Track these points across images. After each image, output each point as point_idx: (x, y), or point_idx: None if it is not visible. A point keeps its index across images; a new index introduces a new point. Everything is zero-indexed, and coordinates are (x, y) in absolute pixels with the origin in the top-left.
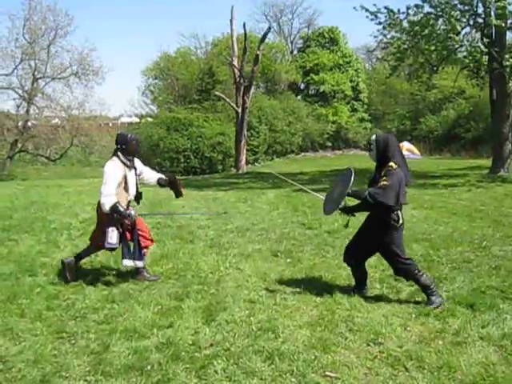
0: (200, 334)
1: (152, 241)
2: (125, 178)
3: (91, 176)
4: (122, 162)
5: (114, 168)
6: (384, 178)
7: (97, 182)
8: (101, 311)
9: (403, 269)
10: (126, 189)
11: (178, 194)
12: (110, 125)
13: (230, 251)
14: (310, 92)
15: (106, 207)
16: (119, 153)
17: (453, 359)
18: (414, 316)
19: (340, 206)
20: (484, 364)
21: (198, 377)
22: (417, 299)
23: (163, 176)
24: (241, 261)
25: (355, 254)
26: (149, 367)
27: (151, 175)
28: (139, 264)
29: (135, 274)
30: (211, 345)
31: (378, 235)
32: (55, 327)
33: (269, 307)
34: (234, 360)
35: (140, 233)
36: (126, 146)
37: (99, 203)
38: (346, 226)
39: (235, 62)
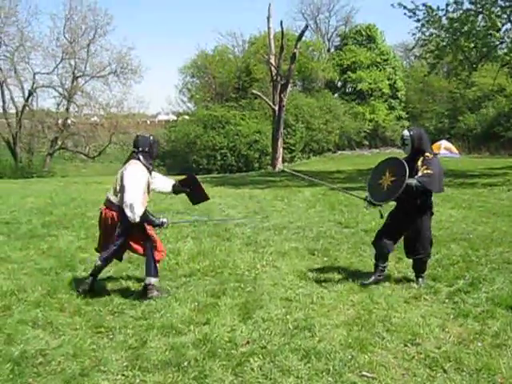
0: (236, 331)
1: (164, 252)
2: (148, 184)
3: None
4: (145, 166)
5: (139, 173)
6: (425, 166)
7: None
8: (138, 307)
9: (426, 254)
10: (146, 196)
11: (200, 198)
12: (148, 122)
13: (266, 249)
14: (347, 90)
15: (136, 217)
16: (141, 156)
17: (492, 362)
18: (452, 317)
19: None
20: None
21: (234, 374)
22: (455, 300)
23: (176, 182)
24: (277, 259)
25: (388, 238)
26: (185, 363)
27: (164, 183)
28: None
29: (145, 290)
30: (247, 342)
31: (414, 221)
32: (94, 322)
33: (305, 306)
34: (271, 358)
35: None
36: (150, 149)
37: (111, 211)
38: (382, 216)
39: (272, 60)
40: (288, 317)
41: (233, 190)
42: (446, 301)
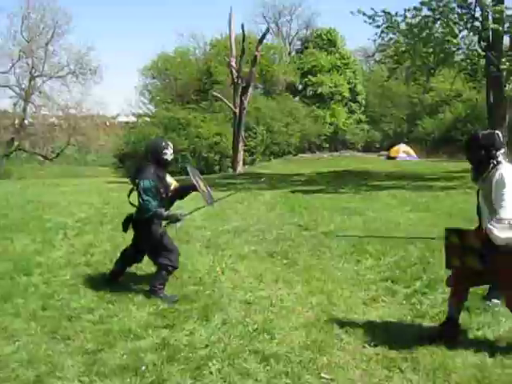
0: (195, 334)
1: None
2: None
3: (88, 175)
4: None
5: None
6: None
7: (93, 182)
8: (96, 311)
9: None
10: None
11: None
12: (108, 124)
13: (226, 252)
14: (307, 93)
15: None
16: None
17: (448, 361)
18: (409, 318)
19: None
20: (479, 366)
21: (193, 378)
22: (412, 301)
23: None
24: (237, 262)
25: None
26: (143, 368)
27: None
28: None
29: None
30: (206, 346)
31: None
32: (50, 327)
33: (265, 308)
34: (230, 361)
35: None
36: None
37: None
38: None
39: (233, 63)
40: (247, 320)
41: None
42: (404, 302)
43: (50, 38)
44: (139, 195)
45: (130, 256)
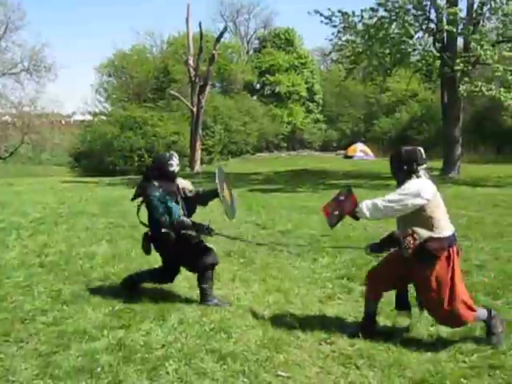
0: (152, 334)
1: None
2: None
3: (43, 175)
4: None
5: None
6: None
7: (48, 182)
8: (50, 313)
9: None
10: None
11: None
12: (63, 122)
13: None
14: (265, 92)
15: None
16: None
17: (403, 357)
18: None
19: None
20: (433, 361)
21: (149, 378)
22: None
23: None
24: None
25: None
26: (99, 369)
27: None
28: None
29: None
30: (163, 346)
31: None
32: (2, 330)
33: (221, 308)
34: (186, 361)
35: None
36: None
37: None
38: None
39: (191, 61)
40: (204, 319)
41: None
42: (360, 299)
43: (3, 33)
44: (152, 213)
45: (164, 277)
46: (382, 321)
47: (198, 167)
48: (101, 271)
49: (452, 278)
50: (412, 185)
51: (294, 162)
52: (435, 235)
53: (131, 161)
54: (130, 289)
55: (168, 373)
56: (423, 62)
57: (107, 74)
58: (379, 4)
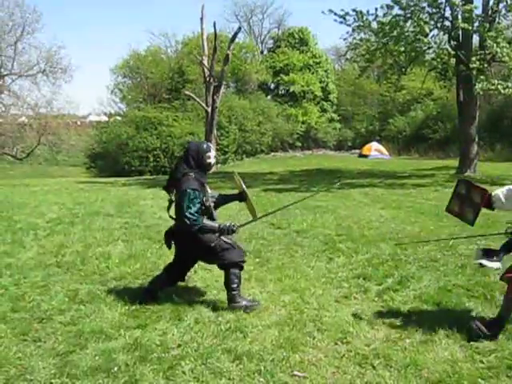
0: (168, 334)
1: None
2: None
3: (59, 175)
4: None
5: None
6: None
7: (64, 182)
8: (67, 312)
9: None
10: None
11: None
12: (79, 123)
13: None
14: (279, 92)
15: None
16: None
17: (419, 357)
18: (381, 315)
19: None
20: (450, 361)
21: (165, 378)
22: (384, 298)
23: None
24: None
25: None
26: (116, 368)
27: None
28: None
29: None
30: (179, 345)
31: None
32: (20, 329)
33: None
34: (202, 360)
35: None
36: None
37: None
38: None
39: (205, 62)
40: (220, 319)
41: (165, 192)
42: (376, 299)
43: (20, 35)
44: (183, 206)
45: (176, 273)
46: (399, 320)
47: (214, 167)
48: (117, 271)
49: None
50: None
51: (308, 161)
52: None
53: (146, 161)
54: (153, 299)
55: (184, 372)
56: (438, 60)
57: (122, 75)
58: (394, 1)
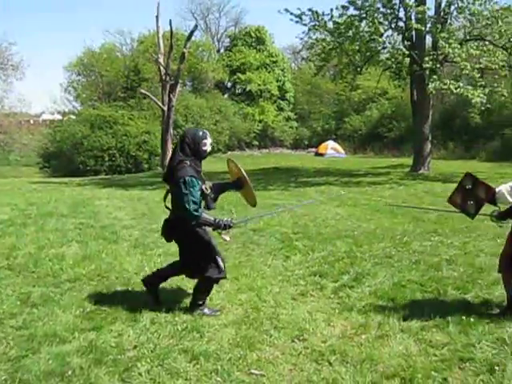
0: (124, 336)
1: None
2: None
3: (11, 175)
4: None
5: None
6: None
7: (16, 182)
8: (19, 316)
9: None
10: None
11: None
12: (31, 122)
13: (155, 251)
14: (236, 91)
15: None
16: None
17: (375, 352)
18: (337, 311)
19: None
20: (404, 355)
21: (121, 380)
22: (340, 295)
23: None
24: (166, 260)
25: None
26: (70, 372)
27: None
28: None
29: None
30: (135, 347)
31: None
32: None
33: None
34: (159, 361)
35: None
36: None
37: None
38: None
39: (161, 60)
40: (177, 319)
41: (121, 192)
42: (332, 296)
43: None
44: (181, 196)
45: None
46: (355, 316)
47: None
48: (71, 273)
49: None
50: None
51: (265, 160)
52: None
53: (102, 160)
54: (154, 294)
55: (140, 374)
56: (393, 59)
57: (76, 73)
58: (350, 2)
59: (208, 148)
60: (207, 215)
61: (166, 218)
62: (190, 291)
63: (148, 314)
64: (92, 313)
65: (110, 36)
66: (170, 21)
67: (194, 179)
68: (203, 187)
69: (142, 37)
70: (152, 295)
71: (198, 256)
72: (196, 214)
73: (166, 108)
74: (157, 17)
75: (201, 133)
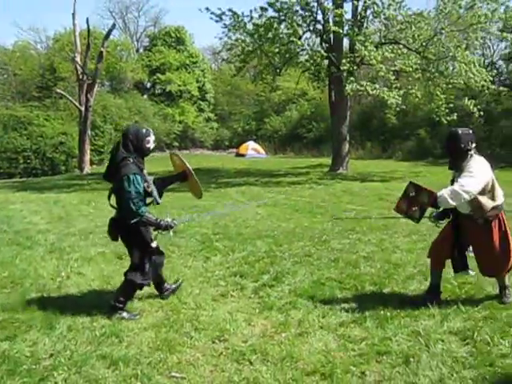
0: (39, 344)
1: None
2: None
3: None
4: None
5: None
6: None
7: None
8: None
9: None
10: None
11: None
12: None
13: (71, 255)
14: (156, 91)
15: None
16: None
17: (295, 350)
18: (257, 311)
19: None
20: (324, 352)
21: None
22: (260, 294)
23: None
24: (83, 265)
25: None
26: None
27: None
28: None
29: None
30: (51, 355)
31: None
32: None
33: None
34: (76, 369)
35: None
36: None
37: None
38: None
39: (78, 59)
40: (95, 324)
41: (36, 195)
42: (252, 296)
43: None
44: (123, 194)
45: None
46: (275, 315)
47: (87, 168)
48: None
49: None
50: (475, 163)
51: (187, 160)
52: (495, 204)
53: (16, 163)
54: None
55: (57, 383)
56: (311, 61)
57: None
58: (269, 4)
59: (151, 145)
60: (150, 214)
61: (112, 216)
62: (111, 296)
63: (64, 321)
64: (5, 322)
65: (23, 33)
66: (87, 19)
67: (137, 176)
68: (145, 185)
69: (58, 35)
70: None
71: (133, 256)
72: (138, 212)
73: (83, 108)
74: (73, 14)
75: (144, 130)
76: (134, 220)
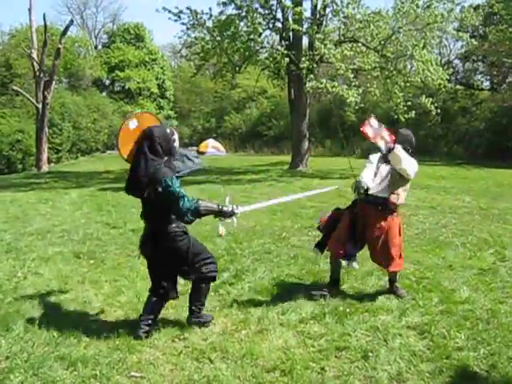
0: None
1: None
2: None
3: None
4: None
5: None
6: None
7: None
8: None
9: None
10: None
11: None
12: None
13: (28, 255)
14: (115, 89)
15: None
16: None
17: (255, 347)
18: (218, 309)
19: None
20: (284, 348)
21: None
22: (220, 292)
23: None
24: (40, 265)
25: None
26: None
27: None
28: None
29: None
30: (7, 357)
31: None
32: None
33: (72, 311)
34: (34, 371)
35: None
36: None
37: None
38: None
39: (35, 55)
40: (52, 325)
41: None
42: (212, 294)
43: None
44: (171, 197)
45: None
46: (235, 313)
47: (45, 167)
48: None
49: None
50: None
51: None
52: (404, 202)
53: None
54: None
55: None
56: (271, 59)
57: None
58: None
59: (178, 146)
60: (208, 202)
61: (144, 233)
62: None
63: (21, 322)
64: None
65: None
66: (44, 14)
67: (177, 179)
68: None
69: (14, 30)
70: None
71: (191, 259)
72: (194, 205)
73: (40, 106)
74: (29, 10)
75: (168, 130)
76: (193, 216)
